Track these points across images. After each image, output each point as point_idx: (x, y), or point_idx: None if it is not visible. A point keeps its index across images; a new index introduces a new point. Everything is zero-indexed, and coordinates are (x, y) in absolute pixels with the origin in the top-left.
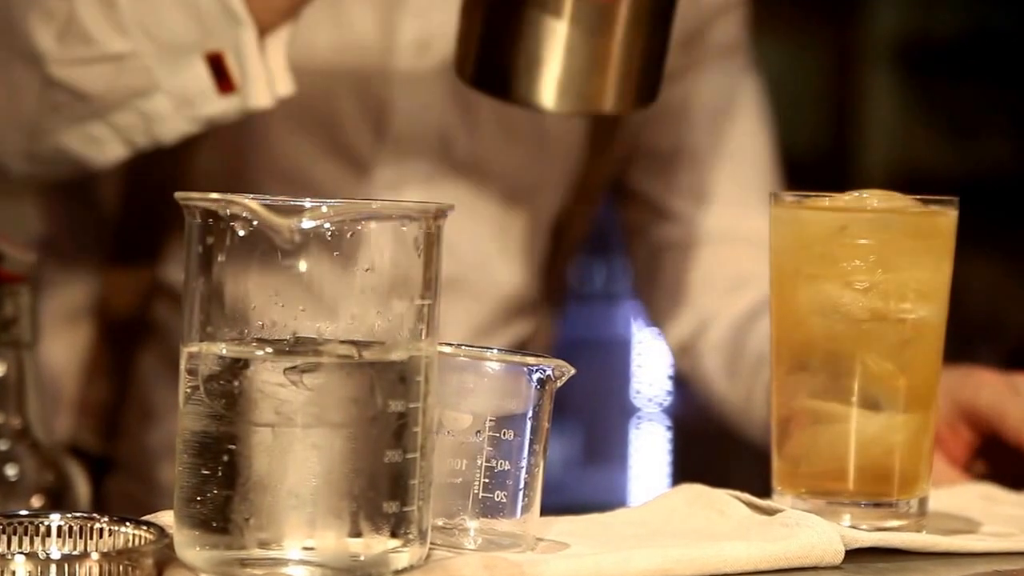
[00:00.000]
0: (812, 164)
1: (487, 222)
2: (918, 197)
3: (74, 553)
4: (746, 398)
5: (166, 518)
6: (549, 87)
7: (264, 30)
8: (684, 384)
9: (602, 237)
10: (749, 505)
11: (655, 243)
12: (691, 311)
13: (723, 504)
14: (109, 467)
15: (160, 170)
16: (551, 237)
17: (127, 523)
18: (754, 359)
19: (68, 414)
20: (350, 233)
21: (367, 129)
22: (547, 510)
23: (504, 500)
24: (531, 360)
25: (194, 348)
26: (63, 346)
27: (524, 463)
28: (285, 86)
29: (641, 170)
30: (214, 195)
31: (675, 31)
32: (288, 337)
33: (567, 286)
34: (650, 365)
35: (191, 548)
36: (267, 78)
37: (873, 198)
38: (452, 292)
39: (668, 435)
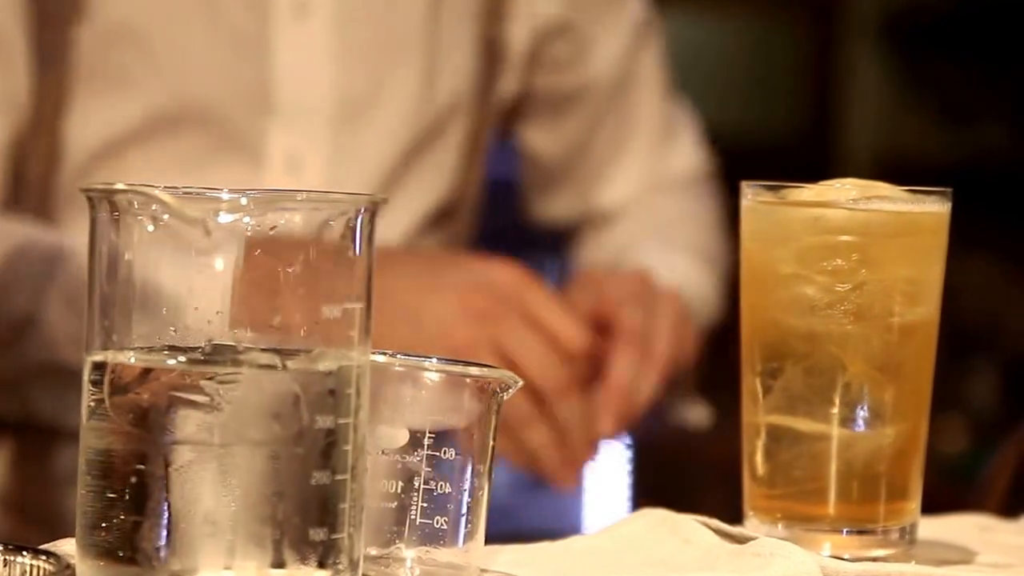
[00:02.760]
0: (789, 150)
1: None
2: (907, 188)
3: None
4: None
5: (67, 547)
6: None
7: None
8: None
9: (555, 234)
10: (718, 532)
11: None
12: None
13: (689, 531)
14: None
15: (30, 187)
16: (445, 216)
17: (23, 552)
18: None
19: None
20: (272, 228)
21: (252, 111)
22: (493, 538)
23: (444, 527)
24: (474, 371)
25: (98, 357)
26: None
27: (467, 485)
28: None
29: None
30: (120, 185)
31: None
32: (203, 345)
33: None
34: None
35: None
36: None
37: (854, 188)
38: None
39: (628, 453)
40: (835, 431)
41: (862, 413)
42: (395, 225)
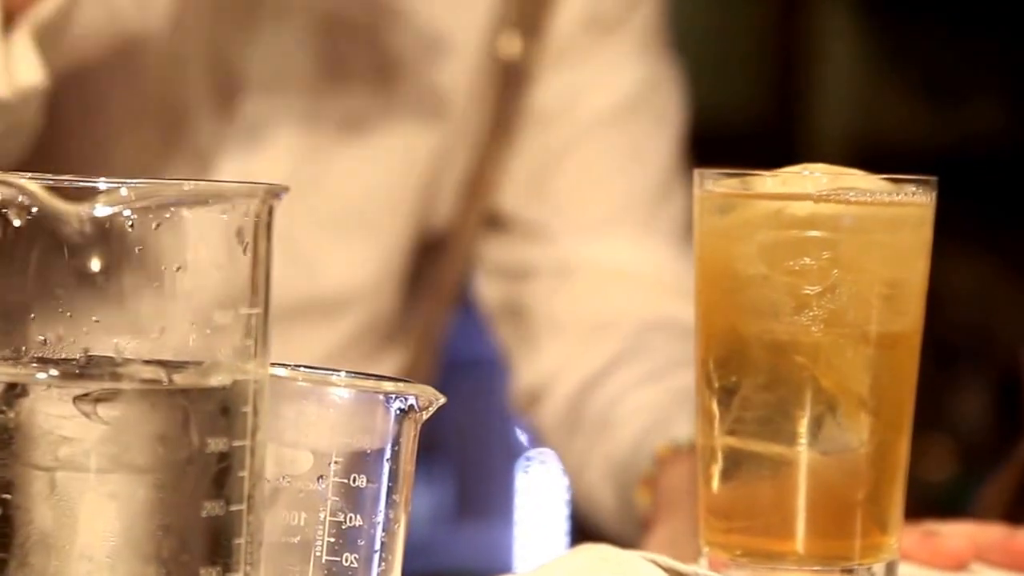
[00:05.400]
0: (752, 132)
1: (360, 225)
2: (885, 175)
3: None
4: (578, 474)
5: None
6: None
7: (11, 13)
8: None
9: None
10: (669, 571)
11: (516, 264)
12: (544, 356)
13: (636, 569)
14: None
15: None
16: (435, 249)
17: None
18: (590, 427)
19: None
20: (156, 222)
21: (211, 111)
22: None
23: (355, 564)
24: (388, 386)
25: None
26: None
27: (381, 517)
28: (31, 74)
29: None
30: None
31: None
32: (78, 356)
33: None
34: None
35: None
36: (5, 64)
37: (824, 176)
38: (304, 316)
39: (564, 481)
40: (803, 455)
41: (834, 434)
42: (367, 262)
